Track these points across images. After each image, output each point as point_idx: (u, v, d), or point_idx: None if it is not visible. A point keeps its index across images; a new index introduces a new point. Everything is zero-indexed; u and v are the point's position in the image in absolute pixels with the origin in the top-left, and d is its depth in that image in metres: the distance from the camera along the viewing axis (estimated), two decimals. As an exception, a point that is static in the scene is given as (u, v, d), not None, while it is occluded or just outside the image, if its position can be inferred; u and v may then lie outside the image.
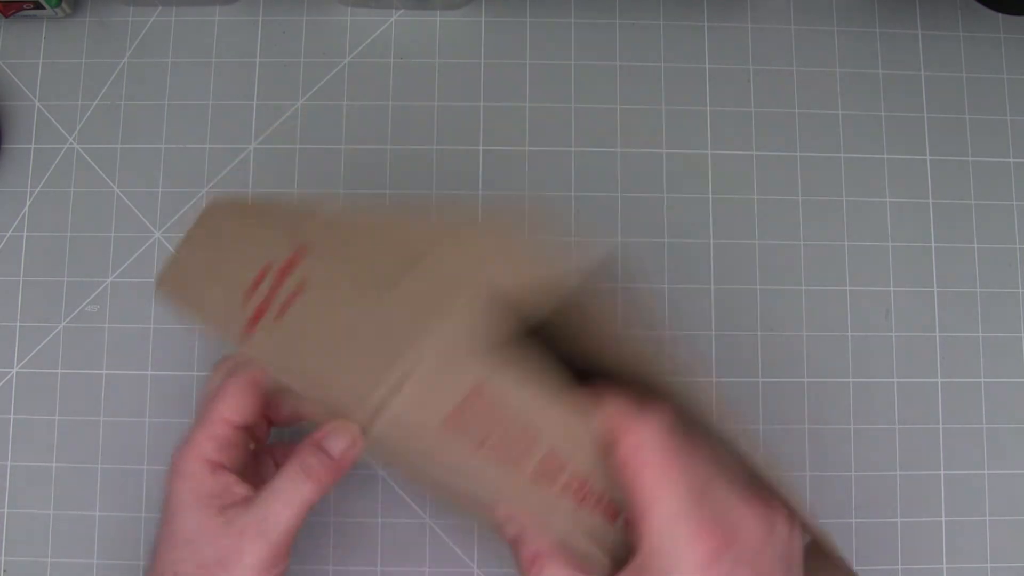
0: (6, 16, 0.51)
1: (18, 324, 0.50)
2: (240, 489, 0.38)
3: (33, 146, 0.51)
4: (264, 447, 0.43)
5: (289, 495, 0.37)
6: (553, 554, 0.35)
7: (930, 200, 0.52)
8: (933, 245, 0.52)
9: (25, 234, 0.51)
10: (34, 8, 0.50)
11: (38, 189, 0.51)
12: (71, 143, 0.51)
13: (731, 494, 0.35)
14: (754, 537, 0.34)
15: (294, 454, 0.37)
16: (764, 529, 0.35)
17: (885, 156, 0.52)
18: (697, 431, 0.36)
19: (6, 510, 0.49)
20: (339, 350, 0.35)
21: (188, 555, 0.37)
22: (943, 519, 0.50)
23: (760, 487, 0.36)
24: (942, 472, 0.50)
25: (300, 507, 0.37)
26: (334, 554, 0.48)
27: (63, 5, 0.51)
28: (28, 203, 0.51)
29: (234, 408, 0.38)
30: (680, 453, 0.34)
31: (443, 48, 0.53)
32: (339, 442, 0.37)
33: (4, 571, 0.49)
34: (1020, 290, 0.52)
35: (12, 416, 0.49)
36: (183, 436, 0.39)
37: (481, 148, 0.52)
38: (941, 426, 0.50)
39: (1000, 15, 0.54)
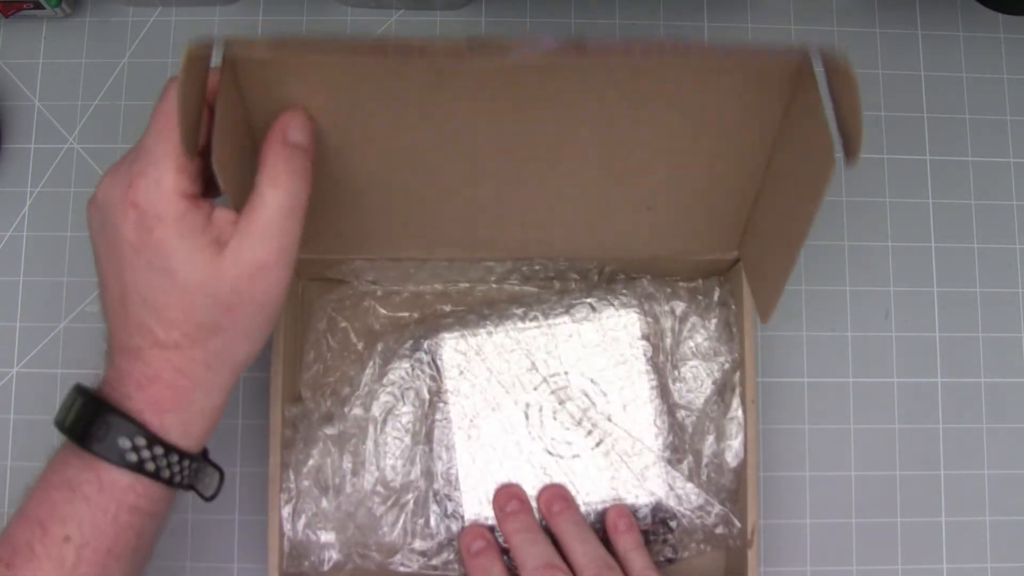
0: (6, 16, 0.51)
1: (18, 324, 0.50)
2: (223, 213, 0.34)
3: (33, 146, 0.51)
4: None
5: (285, 200, 0.34)
6: None
7: (930, 200, 0.52)
8: (933, 245, 0.52)
9: (25, 234, 0.51)
10: (34, 8, 0.50)
11: (38, 189, 0.51)
12: (71, 143, 0.51)
13: None
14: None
15: (266, 156, 0.35)
16: None
17: (885, 156, 0.52)
18: None
19: (6, 510, 0.49)
20: None
21: (208, 304, 0.34)
22: (943, 519, 0.50)
23: None
24: (942, 472, 0.50)
25: (301, 207, 0.35)
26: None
27: (63, 5, 0.51)
28: (28, 203, 0.51)
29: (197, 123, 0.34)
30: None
31: (443, 48, 0.53)
32: (301, 131, 0.36)
33: (4, 571, 0.49)
34: (1020, 290, 0.52)
35: (12, 416, 0.49)
36: (133, 174, 0.34)
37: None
38: (941, 426, 0.50)
39: (1000, 15, 0.54)
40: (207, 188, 0.35)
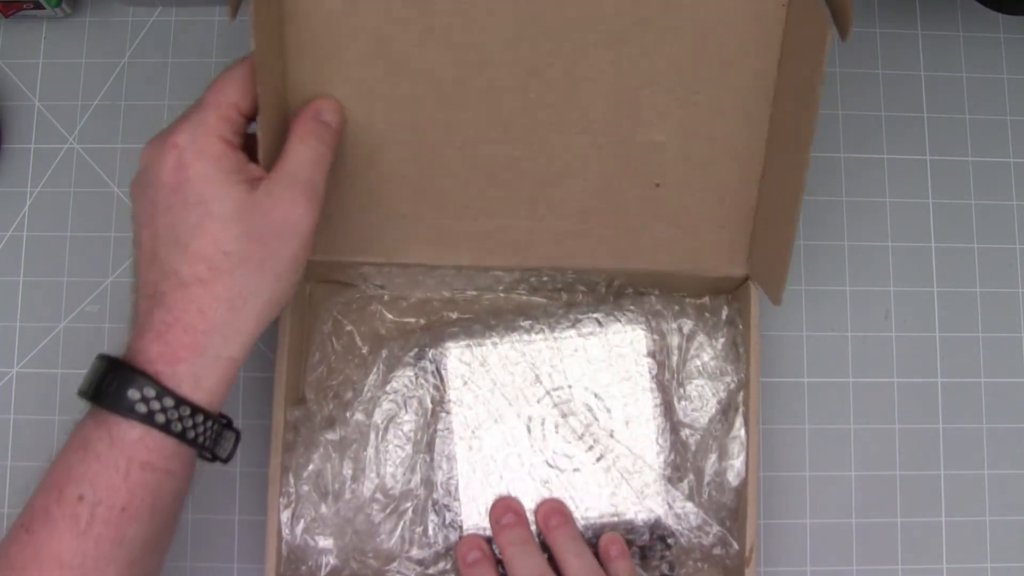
0: (6, 16, 0.51)
1: (18, 324, 0.50)
2: (254, 167, 0.37)
3: (33, 146, 0.51)
4: None
5: (313, 155, 0.38)
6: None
7: (930, 200, 0.52)
8: (933, 245, 0.52)
9: (25, 234, 0.51)
10: (34, 8, 0.50)
11: (38, 189, 0.51)
12: (71, 143, 0.51)
13: None
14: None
15: (297, 126, 0.38)
16: None
17: (885, 156, 0.52)
18: None
19: (6, 510, 0.49)
20: None
21: (238, 232, 0.35)
22: (943, 519, 0.50)
23: None
24: (942, 472, 0.50)
25: (325, 166, 0.38)
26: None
27: (63, 5, 0.51)
28: (28, 203, 0.51)
29: (242, 93, 0.36)
30: None
31: (443, 48, 0.53)
32: (332, 114, 0.40)
33: (4, 571, 0.49)
34: (1020, 290, 0.52)
35: (12, 416, 0.49)
36: (178, 122, 0.36)
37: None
38: (941, 426, 0.50)
39: (1000, 15, 0.54)
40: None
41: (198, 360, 0.34)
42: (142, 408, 0.33)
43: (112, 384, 0.34)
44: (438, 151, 0.43)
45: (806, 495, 0.50)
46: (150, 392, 0.34)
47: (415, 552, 0.45)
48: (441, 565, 0.45)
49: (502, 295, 0.49)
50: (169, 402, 0.34)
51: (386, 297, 0.49)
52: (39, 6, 0.50)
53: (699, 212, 0.45)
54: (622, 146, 0.43)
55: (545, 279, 0.48)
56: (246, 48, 0.54)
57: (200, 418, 0.35)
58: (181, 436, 0.34)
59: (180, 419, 0.34)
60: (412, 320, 0.49)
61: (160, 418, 0.34)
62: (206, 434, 0.35)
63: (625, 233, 0.45)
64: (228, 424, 0.38)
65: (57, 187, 0.51)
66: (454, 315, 0.49)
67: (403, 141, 0.43)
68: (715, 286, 0.48)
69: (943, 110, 0.53)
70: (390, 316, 0.49)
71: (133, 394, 0.33)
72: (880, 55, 0.53)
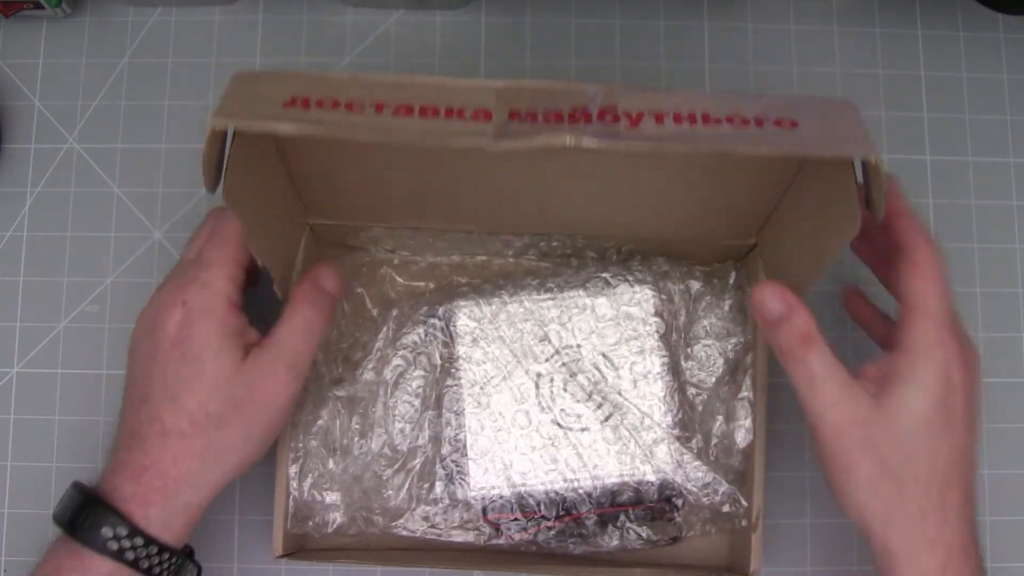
0: (6, 16, 0.51)
1: (18, 324, 0.50)
2: (252, 332, 0.40)
3: (33, 146, 0.51)
4: None
5: (307, 327, 0.40)
6: (818, 336, 0.36)
7: (930, 200, 0.52)
8: (933, 245, 0.52)
9: (25, 234, 0.51)
10: (34, 8, 0.50)
11: (38, 189, 0.51)
12: (71, 143, 0.51)
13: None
14: (975, 359, 0.38)
15: (296, 291, 0.41)
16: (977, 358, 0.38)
17: (885, 156, 0.52)
18: None
19: (6, 510, 0.49)
20: None
21: (223, 397, 0.38)
22: (943, 519, 0.50)
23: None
24: (942, 472, 0.50)
25: (316, 337, 0.40)
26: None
27: (63, 5, 0.51)
28: (28, 203, 0.51)
29: (243, 250, 0.39)
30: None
31: (443, 48, 0.53)
32: (331, 280, 0.42)
33: (4, 571, 0.49)
34: (1020, 290, 0.52)
35: (12, 416, 0.49)
36: (187, 281, 0.38)
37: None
38: (941, 426, 0.50)
39: (1000, 15, 0.54)
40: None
41: (168, 504, 0.37)
42: (114, 546, 0.36)
43: (87, 519, 0.36)
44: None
45: (806, 495, 0.50)
46: (122, 531, 0.36)
47: (422, 509, 0.46)
48: (449, 520, 0.46)
49: (512, 260, 0.50)
50: (139, 541, 0.37)
51: (396, 261, 0.49)
52: (39, 6, 0.50)
53: (711, 184, 0.44)
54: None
55: (555, 244, 0.48)
56: (247, 48, 0.55)
57: (166, 555, 0.38)
58: (147, 572, 0.37)
59: (148, 556, 0.37)
60: (422, 284, 0.49)
61: (130, 555, 0.36)
62: (171, 569, 0.38)
63: (635, 200, 0.45)
64: (190, 555, 0.41)
65: (57, 187, 0.51)
66: (464, 279, 0.49)
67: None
68: (724, 253, 0.48)
69: (943, 110, 0.53)
70: (400, 280, 0.49)
71: (107, 532, 0.36)
72: (880, 55, 0.53)
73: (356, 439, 0.46)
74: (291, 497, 0.45)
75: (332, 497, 0.46)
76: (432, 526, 0.46)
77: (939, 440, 0.36)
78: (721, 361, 0.47)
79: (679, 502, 0.46)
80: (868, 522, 0.37)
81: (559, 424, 0.45)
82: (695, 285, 0.48)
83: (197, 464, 0.38)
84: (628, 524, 0.46)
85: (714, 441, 0.46)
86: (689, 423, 0.46)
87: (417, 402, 0.46)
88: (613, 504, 0.45)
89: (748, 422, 0.46)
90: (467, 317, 0.46)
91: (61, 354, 0.50)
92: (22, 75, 0.52)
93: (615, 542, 0.46)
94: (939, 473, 0.36)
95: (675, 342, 0.47)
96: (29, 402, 0.50)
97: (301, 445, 0.45)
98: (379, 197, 0.45)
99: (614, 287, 0.46)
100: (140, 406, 0.38)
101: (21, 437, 0.49)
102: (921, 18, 0.54)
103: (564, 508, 0.45)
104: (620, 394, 0.45)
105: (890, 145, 0.52)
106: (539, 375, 0.46)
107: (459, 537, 0.46)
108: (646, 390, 0.45)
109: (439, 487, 0.45)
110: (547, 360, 0.46)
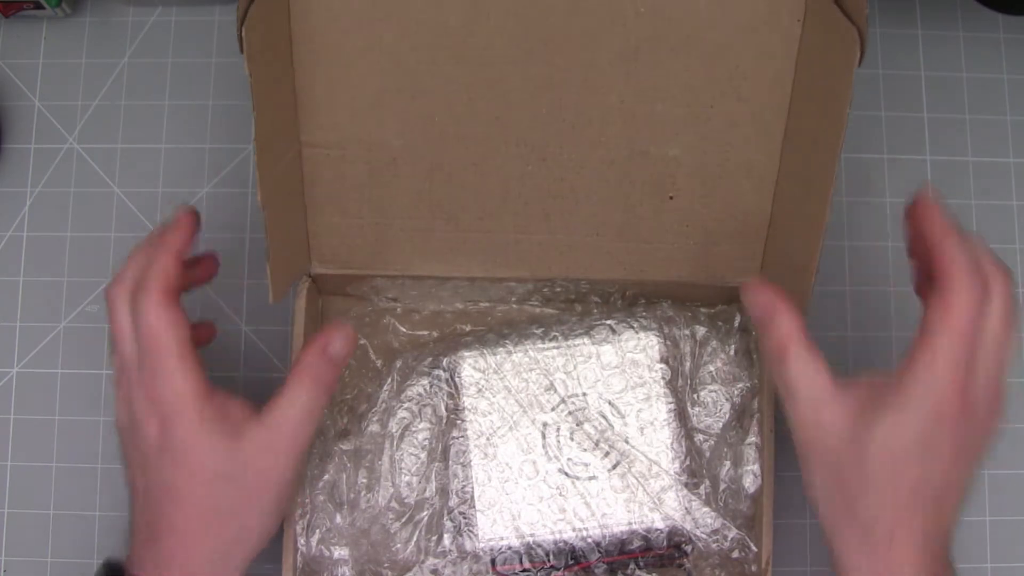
0: (6, 16, 0.51)
1: (18, 324, 0.50)
2: (236, 408, 0.37)
3: (33, 146, 0.51)
4: None
5: (305, 402, 0.38)
6: (800, 342, 0.36)
7: (930, 200, 0.52)
8: (933, 245, 0.52)
9: (25, 234, 0.51)
10: (34, 8, 0.50)
11: (38, 189, 0.51)
12: (71, 143, 0.51)
13: None
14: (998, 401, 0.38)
15: (301, 360, 0.39)
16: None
17: (886, 156, 0.52)
18: None
19: (6, 510, 0.49)
20: None
21: (225, 490, 0.37)
22: (943, 519, 0.50)
23: None
24: (942, 472, 0.50)
25: (317, 413, 0.39)
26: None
27: (63, 5, 0.51)
28: (28, 203, 0.51)
29: (187, 329, 0.37)
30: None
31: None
32: (342, 344, 0.39)
33: (4, 571, 0.49)
34: (1020, 290, 0.52)
35: (12, 416, 0.49)
36: (143, 379, 0.36)
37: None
38: (941, 426, 0.50)
39: (1000, 15, 0.54)
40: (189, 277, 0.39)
41: None
42: None
43: None
44: (451, 166, 0.44)
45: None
46: None
47: (431, 562, 0.45)
48: (457, 573, 0.45)
49: (515, 306, 0.49)
50: None
51: (399, 310, 0.49)
52: (39, 6, 0.50)
53: (712, 224, 0.45)
54: (635, 160, 0.44)
55: (559, 289, 0.48)
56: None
57: None
58: None
59: None
60: (425, 333, 0.49)
61: None
62: None
63: (638, 245, 0.45)
64: None
65: (57, 187, 0.51)
66: (467, 327, 0.49)
67: (416, 156, 0.43)
68: (728, 295, 0.48)
69: (943, 110, 0.53)
70: (403, 329, 0.49)
71: None
72: (880, 55, 0.53)
73: (363, 492, 0.45)
74: (299, 553, 0.44)
75: (340, 552, 0.45)
76: None
77: (910, 466, 0.35)
78: (728, 406, 0.46)
79: (688, 548, 0.45)
80: (821, 522, 0.37)
81: (566, 473, 0.45)
82: (700, 330, 0.47)
83: (208, 564, 0.37)
84: (638, 572, 0.45)
85: (722, 487, 0.46)
86: (697, 469, 0.46)
87: (423, 454, 0.46)
88: (622, 552, 0.45)
89: (756, 467, 0.46)
90: (472, 368, 0.46)
91: (61, 354, 0.50)
92: (22, 75, 0.52)
93: None
94: (900, 500, 0.35)
95: (681, 388, 0.46)
96: (29, 402, 0.50)
97: (308, 500, 0.45)
98: (381, 244, 0.45)
99: (619, 334, 0.46)
100: (146, 506, 0.38)
101: (21, 437, 0.49)
102: (921, 18, 0.54)
103: (573, 557, 0.45)
104: (627, 442, 0.45)
105: (890, 145, 0.52)
106: (545, 424, 0.45)
107: None
108: (653, 437, 0.45)
109: (447, 539, 0.45)
110: (553, 409, 0.46)
